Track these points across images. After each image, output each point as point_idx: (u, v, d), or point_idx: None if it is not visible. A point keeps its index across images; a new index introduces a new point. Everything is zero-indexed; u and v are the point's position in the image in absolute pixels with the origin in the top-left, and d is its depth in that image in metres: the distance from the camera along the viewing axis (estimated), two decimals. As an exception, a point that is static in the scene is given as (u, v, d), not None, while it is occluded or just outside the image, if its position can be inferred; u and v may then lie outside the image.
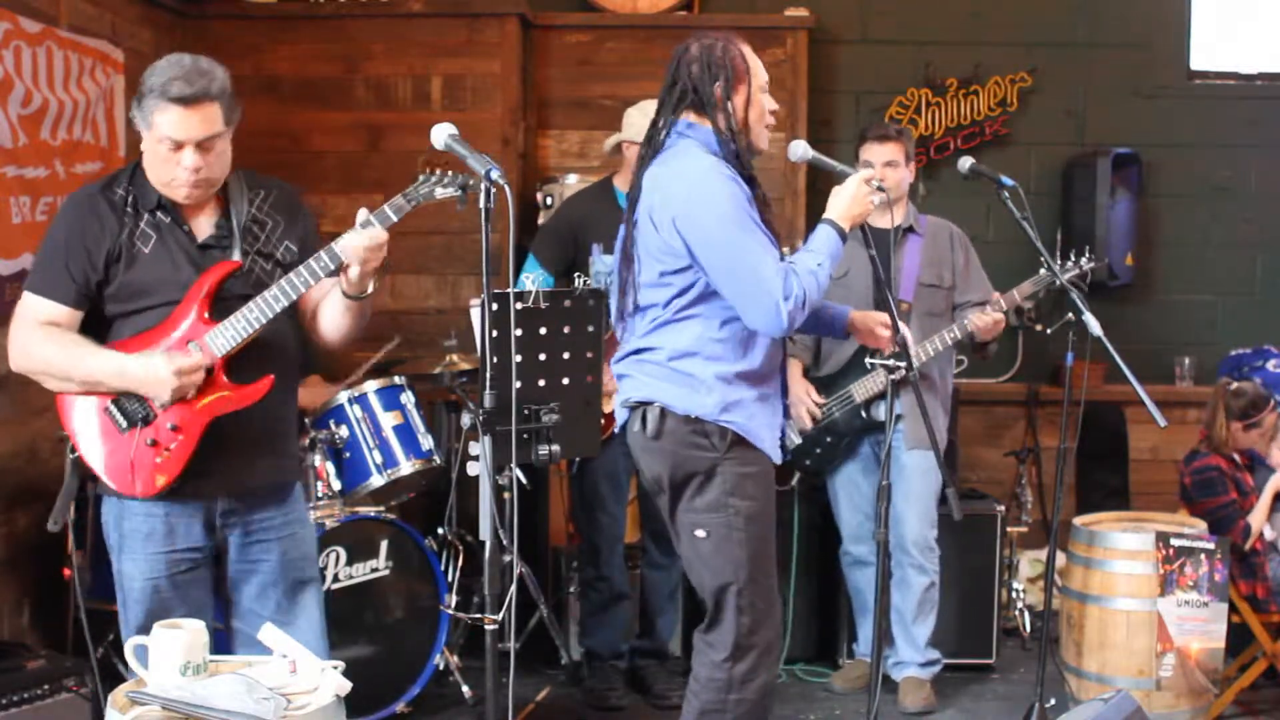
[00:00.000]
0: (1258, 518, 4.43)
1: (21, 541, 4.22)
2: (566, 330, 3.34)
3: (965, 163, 4.00)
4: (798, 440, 4.50)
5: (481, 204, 2.70)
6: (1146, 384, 3.77)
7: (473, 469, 3.14)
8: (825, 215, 3.23)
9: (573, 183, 5.35)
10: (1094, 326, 3.73)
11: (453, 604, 4.41)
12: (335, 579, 4.06)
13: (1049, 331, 4.70)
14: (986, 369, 5.75)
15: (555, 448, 3.26)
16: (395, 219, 2.83)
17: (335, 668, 2.53)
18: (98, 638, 3.98)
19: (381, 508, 4.39)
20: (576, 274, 4.50)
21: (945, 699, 4.57)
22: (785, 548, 4.71)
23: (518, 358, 3.06)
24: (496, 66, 5.48)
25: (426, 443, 4.43)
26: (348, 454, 4.34)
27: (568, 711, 4.49)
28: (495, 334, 2.94)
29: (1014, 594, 5.34)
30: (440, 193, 2.84)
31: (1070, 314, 3.83)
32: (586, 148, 5.72)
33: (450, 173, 2.85)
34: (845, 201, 3.22)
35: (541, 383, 3.30)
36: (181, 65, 2.78)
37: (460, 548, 4.74)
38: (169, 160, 2.81)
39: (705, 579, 3.22)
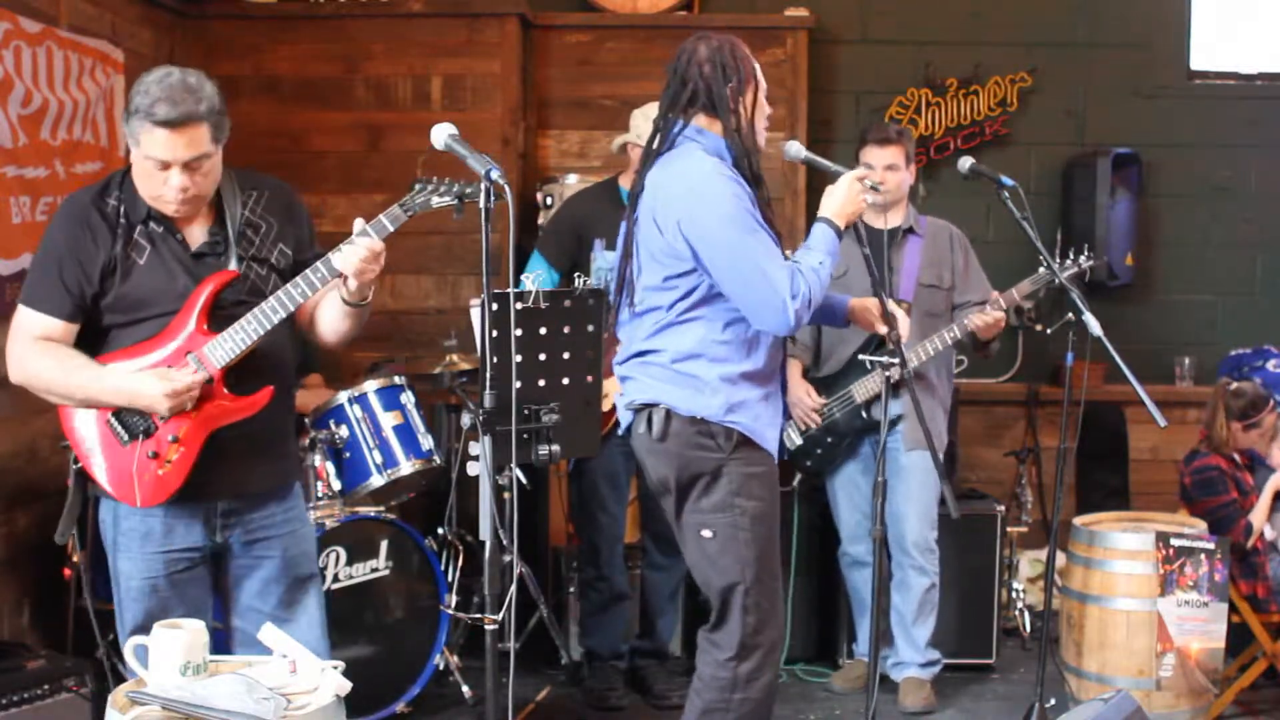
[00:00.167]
0: (1258, 517, 4.43)
1: (21, 541, 4.22)
2: (566, 330, 3.34)
3: (965, 163, 4.00)
4: (798, 441, 4.51)
5: (481, 204, 2.70)
6: (1146, 384, 3.77)
7: (473, 469, 3.14)
8: (820, 214, 3.26)
9: (573, 183, 5.35)
10: (1094, 326, 3.74)
11: (453, 604, 4.41)
12: (335, 579, 4.06)
13: (1049, 331, 4.70)
14: (986, 369, 5.75)
15: (555, 448, 3.26)
16: (391, 229, 2.82)
17: (335, 668, 2.53)
18: (98, 637, 3.99)
19: (381, 508, 4.39)
20: (577, 274, 4.50)
21: (945, 699, 4.57)
22: (785, 548, 4.71)
23: (518, 358, 3.06)
24: (496, 66, 5.48)
25: (426, 443, 4.43)
26: (348, 454, 4.34)
27: (568, 711, 4.49)
28: (495, 334, 2.94)
29: (1014, 594, 5.34)
30: (436, 201, 2.83)
31: (1070, 314, 3.83)
32: (586, 148, 5.72)
33: (446, 181, 2.83)
34: (839, 200, 3.26)
35: (541, 383, 3.31)
36: (168, 85, 2.72)
37: (460, 548, 4.74)
38: (156, 178, 2.78)
39: (712, 579, 3.23)
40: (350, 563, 4.12)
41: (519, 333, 3.17)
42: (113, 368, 2.83)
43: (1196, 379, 5.93)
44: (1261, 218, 6.06)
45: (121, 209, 2.85)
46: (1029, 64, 5.95)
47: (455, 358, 4.63)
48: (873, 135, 4.52)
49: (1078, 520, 4.49)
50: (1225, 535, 4.32)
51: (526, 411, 3.22)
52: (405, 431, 4.39)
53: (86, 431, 2.88)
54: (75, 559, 3.99)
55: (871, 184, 3.30)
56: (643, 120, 4.40)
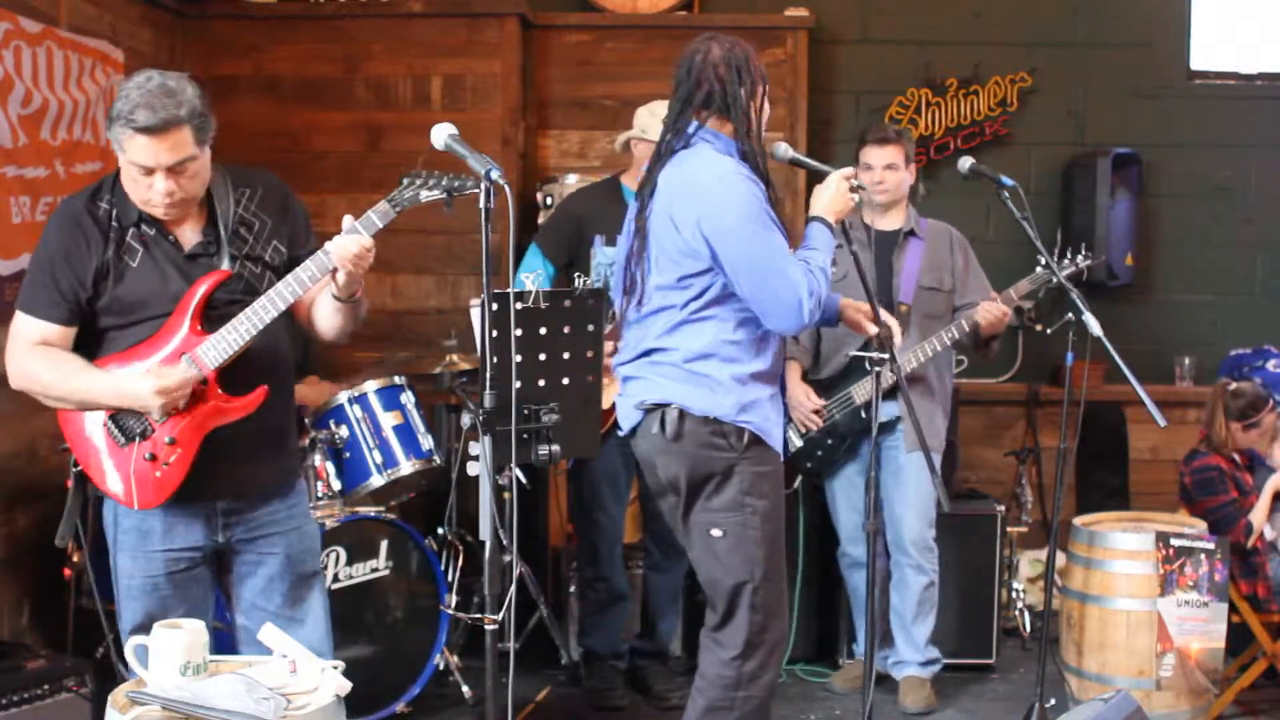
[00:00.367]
0: (1258, 517, 4.43)
1: (21, 541, 4.22)
2: (566, 330, 3.34)
3: (965, 163, 4.01)
4: (799, 443, 4.50)
5: (481, 204, 2.70)
6: (1146, 384, 3.77)
7: (473, 469, 3.14)
8: (813, 213, 3.31)
9: (573, 183, 5.35)
10: (1094, 326, 3.74)
11: (453, 604, 4.41)
12: (335, 579, 4.06)
13: (1049, 331, 4.71)
14: (986, 369, 5.75)
15: (555, 448, 3.25)
16: (380, 225, 2.81)
17: (335, 668, 2.53)
18: (98, 638, 3.99)
19: (381, 508, 4.39)
20: (576, 273, 4.49)
21: (945, 699, 4.57)
22: (789, 548, 4.70)
23: (518, 358, 3.06)
24: (496, 66, 5.48)
25: (426, 443, 4.43)
26: (348, 454, 4.34)
27: (568, 711, 4.49)
28: (495, 334, 2.94)
29: (1014, 594, 5.34)
30: (426, 195, 2.82)
31: (1070, 314, 3.84)
32: (586, 148, 5.72)
33: (435, 174, 2.83)
34: (829, 198, 3.31)
35: (541, 383, 3.30)
36: (147, 90, 2.71)
37: (460, 548, 4.74)
38: (141, 183, 2.78)
39: (720, 578, 3.24)
40: (350, 563, 4.12)
41: (519, 333, 3.16)
42: (107, 369, 2.84)
43: (1196, 379, 5.93)
44: (1261, 218, 6.06)
45: (114, 212, 2.86)
46: (1029, 64, 5.95)
47: (455, 357, 4.63)
48: (872, 135, 4.52)
49: (1078, 520, 4.49)
50: (1225, 535, 4.32)
51: (526, 411, 3.22)
52: (405, 431, 4.39)
53: (85, 434, 2.89)
54: (75, 559, 3.99)
55: (857, 184, 3.34)
56: (648, 116, 4.40)
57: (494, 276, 2.77)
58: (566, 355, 3.35)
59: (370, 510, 4.26)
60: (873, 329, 3.44)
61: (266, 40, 5.49)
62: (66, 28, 4.44)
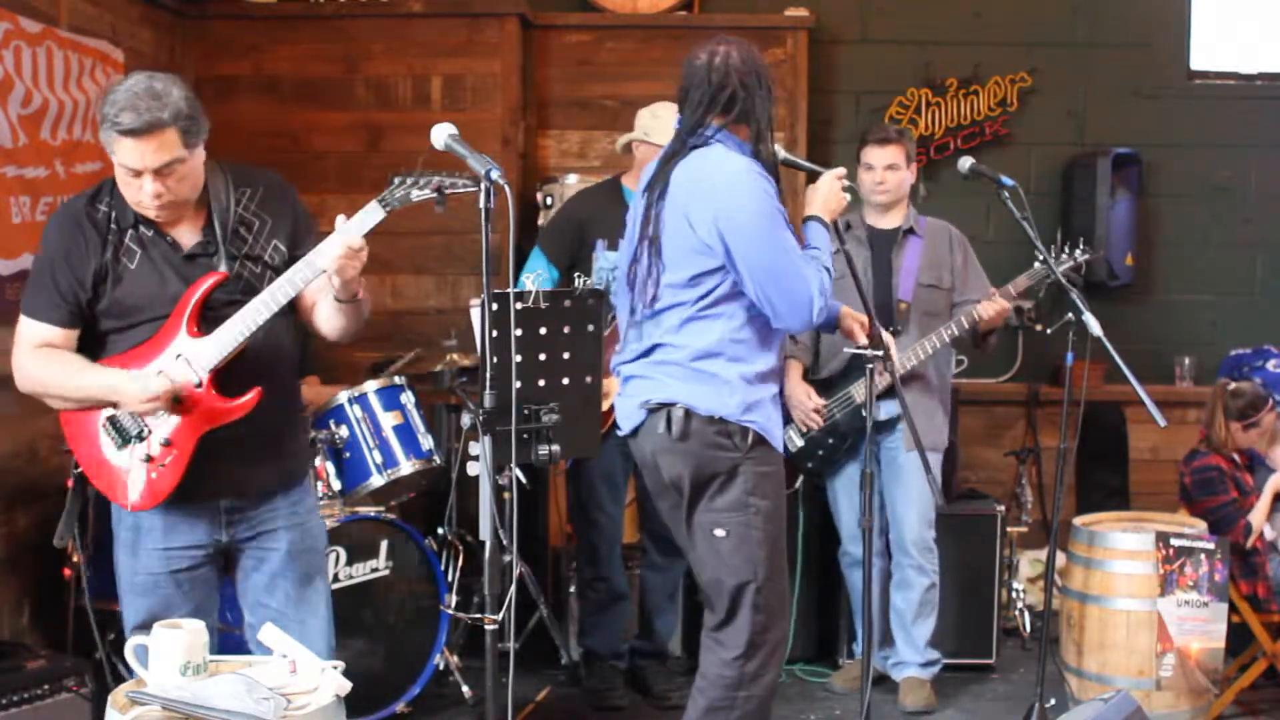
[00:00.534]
0: (1258, 517, 4.43)
1: (21, 541, 4.22)
2: (566, 330, 3.34)
3: (965, 163, 4.01)
4: (800, 443, 4.50)
5: (481, 204, 2.70)
6: (1146, 384, 3.78)
7: (473, 469, 3.14)
8: (810, 212, 3.34)
9: (573, 183, 5.34)
10: (1094, 326, 3.74)
11: (453, 604, 4.41)
12: (335, 579, 4.06)
13: (1049, 331, 4.71)
14: (986, 369, 5.75)
15: (555, 448, 3.26)
16: (370, 225, 2.80)
17: (335, 668, 2.53)
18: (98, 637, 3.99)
19: (381, 508, 4.39)
20: (577, 274, 4.49)
21: (945, 699, 4.57)
22: (790, 549, 4.70)
23: (518, 358, 3.06)
24: (496, 66, 5.48)
25: (426, 443, 4.43)
26: (348, 454, 4.34)
27: (568, 711, 4.49)
28: (495, 334, 2.94)
29: (1014, 594, 5.34)
30: (416, 195, 2.81)
31: (1070, 314, 3.84)
32: (586, 148, 5.72)
33: (426, 173, 2.81)
34: (823, 196, 3.36)
35: (541, 383, 3.31)
36: (133, 93, 2.71)
37: (460, 548, 4.74)
38: (131, 185, 2.79)
39: (723, 577, 3.24)
40: (350, 563, 4.12)
41: (519, 333, 3.17)
42: (103, 369, 2.85)
43: (1196, 379, 5.93)
44: (1261, 218, 6.06)
45: (112, 214, 2.87)
46: (1029, 64, 5.95)
47: (455, 357, 4.63)
48: (873, 135, 4.53)
49: (1078, 520, 4.49)
50: (1225, 535, 4.32)
51: (526, 411, 3.22)
52: (405, 431, 4.39)
53: (84, 436, 2.90)
54: (75, 559, 3.99)
55: (847, 185, 3.37)
56: (649, 119, 4.39)
57: (494, 276, 2.77)
58: (566, 355, 3.36)
59: (370, 510, 4.26)
60: (863, 339, 3.48)
61: (266, 40, 5.49)
62: (66, 28, 4.44)
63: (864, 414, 4.42)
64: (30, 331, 2.89)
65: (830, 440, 4.51)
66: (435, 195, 2.79)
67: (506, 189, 2.65)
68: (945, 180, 5.91)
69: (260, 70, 5.48)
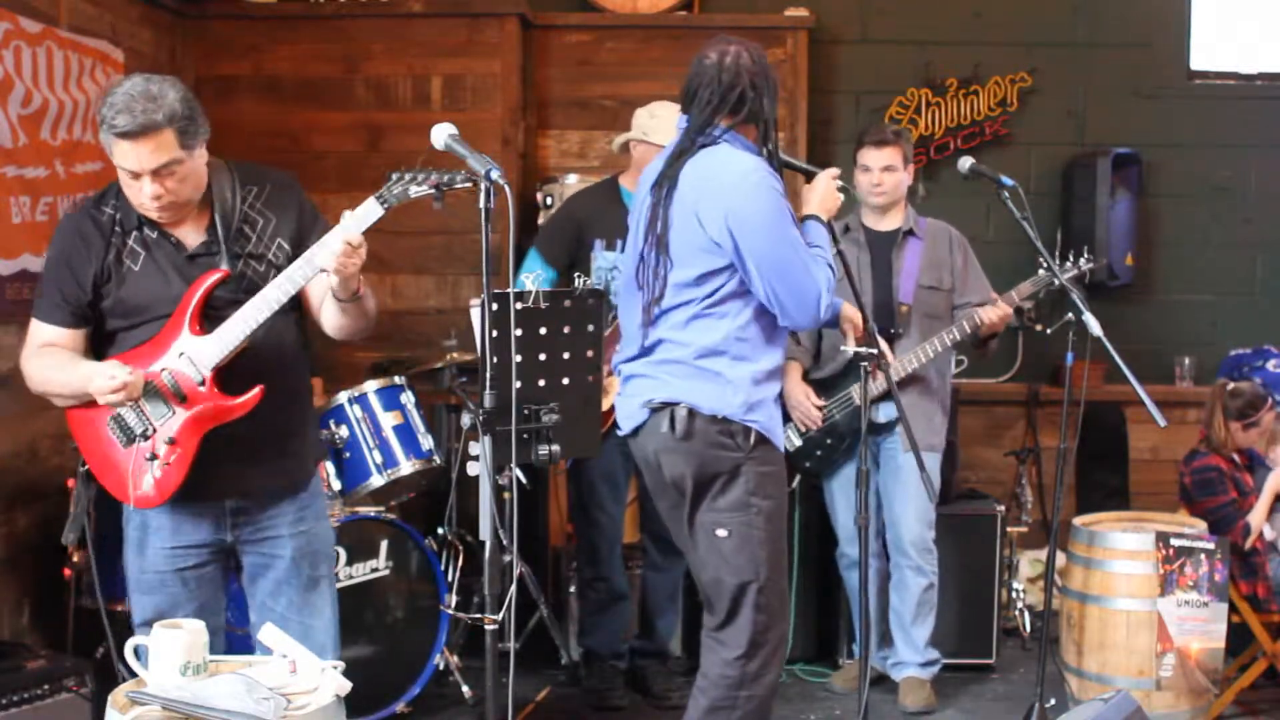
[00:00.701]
0: (1257, 517, 4.43)
1: (21, 541, 4.22)
2: (566, 330, 3.34)
3: (965, 163, 4.01)
4: (798, 443, 4.50)
5: (481, 204, 2.70)
6: (1146, 384, 3.78)
7: (473, 469, 3.14)
8: (808, 211, 3.35)
9: (573, 183, 5.34)
10: (1094, 326, 3.74)
11: (453, 604, 4.41)
12: (335, 579, 4.05)
13: (1049, 331, 4.70)
14: (986, 369, 5.75)
15: (555, 448, 3.26)
16: (368, 223, 2.80)
17: (335, 668, 2.53)
18: (98, 638, 3.99)
19: (381, 508, 4.39)
20: (577, 274, 4.49)
21: (945, 699, 4.57)
22: (789, 549, 4.71)
23: (518, 358, 3.06)
24: (496, 66, 5.48)
25: (426, 443, 4.42)
26: (348, 454, 4.34)
27: (568, 711, 4.49)
28: (495, 334, 2.94)
29: (1014, 594, 5.34)
30: (415, 191, 2.81)
31: (1070, 314, 3.84)
32: (586, 148, 5.72)
33: (424, 170, 2.81)
34: (819, 196, 3.38)
35: (541, 383, 3.31)
36: (129, 95, 2.72)
37: (460, 548, 4.74)
38: (132, 187, 2.81)
39: (725, 577, 3.24)
40: (350, 563, 4.12)
41: (519, 333, 3.17)
42: (87, 365, 2.88)
43: (1196, 379, 5.93)
44: (1261, 218, 6.06)
45: (117, 216, 2.90)
46: (1029, 64, 5.95)
47: (455, 357, 4.63)
48: (870, 137, 4.52)
49: (1078, 520, 4.49)
50: (1225, 535, 4.32)
51: (526, 411, 3.22)
52: (405, 431, 4.39)
53: (92, 434, 2.92)
54: (76, 559, 3.99)
55: (841, 185, 3.39)
56: (647, 118, 4.39)
57: (494, 276, 2.77)
58: (566, 355, 3.36)
59: (370, 510, 4.26)
60: (852, 342, 3.52)
61: (266, 40, 5.49)
62: (66, 28, 4.44)
63: (866, 414, 4.45)
64: (36, 333, 2.94)
65: (829, 440, 4.51)
66: (434, 192, 2.79)
67: (506, 189, 2.66)
68: (945, 180, 5.91)
69: (260, 70, 5.48)
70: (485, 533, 2.89)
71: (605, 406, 3.81)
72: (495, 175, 2.67)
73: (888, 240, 4.52)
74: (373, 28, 5.48)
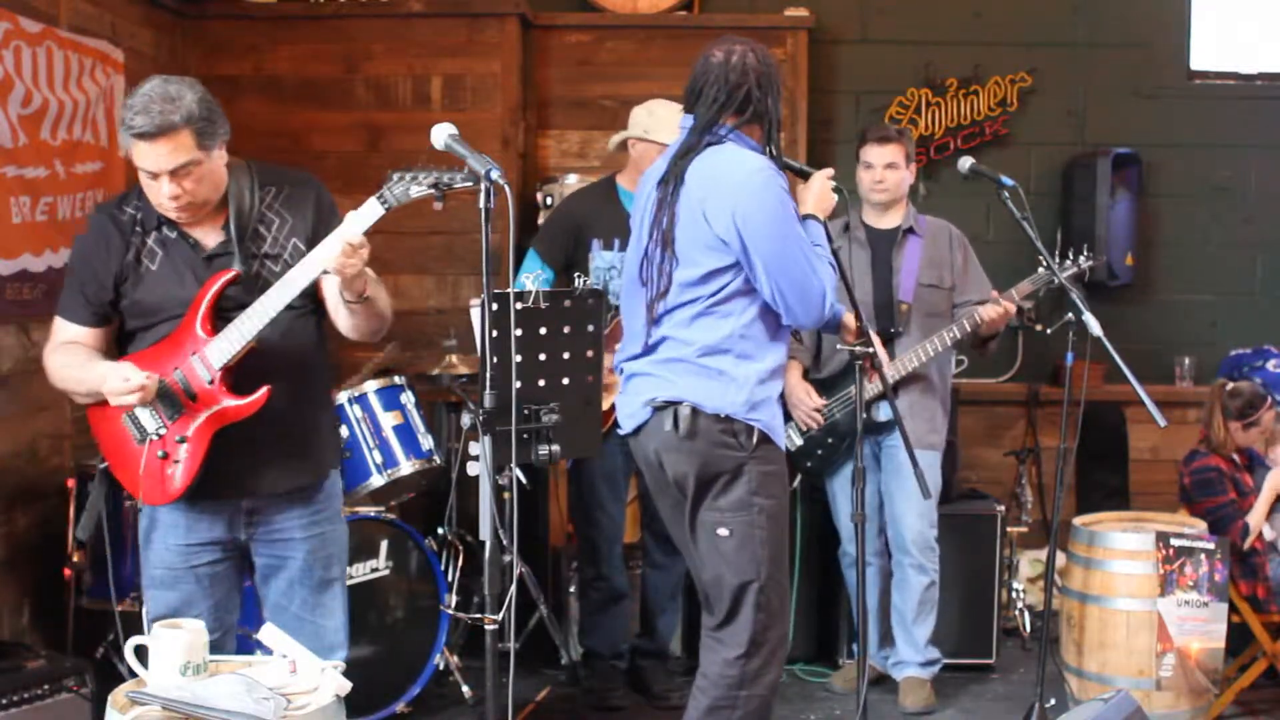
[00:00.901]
0: (1256, 517, 4.43)
1: (21, 541, 4.22)
2: (566, 330, 3.34)
3: (965, 163, 4.01)
4: (799, 442, 4.50)
5: (481, 204, 2.70)
6: (1146, 384, 3.78)
7: (473, 469, 3.14)
8: (806, 211, 3.34)
9: (573, 183, 5.34)
10: (1094, 326, 3.75)
11: (453, 604, 4.41)
12: (340, 579, 4.06)
13: (1049, 331, 4.70)
14: (986, 369, 5.75)
15: (555, 448, 3.26)
16: (368, 223, 2.81)
17: (335, 668, 2.53)
18: (98, 638, 3.99)
19: (381, 508, 4.39)
20: (576, 274, 4.49)
21: (945, 699, 4.57)
22: (790, 548, 4.70)
23: (518, 358, 3.06)
24: (496, 66, 5.48)
25: (426, 443, 4.42)
26: (348, 454, 4.33)
27: (568, 711, 4.49)
28: (495, 334, 2.94)
29: (1014, 594, 5.34)
30: (415, 191, 2.82)
31: (1070, 314, 3.84)
32: (586, 148, 5.72)
33: (424, 169, 2.81)
34: (815, 196, 3.37)
35: (541, 383, 3.31)
36: (147, 96, 2.76)
37: (460, 548, 4.74)
38: (152, 188, 2.84)
39: (726, 576, 3.24)
40: (350, 563, 4.11)
41: (519, 333, 3.17)
42: (99, 364, 2.91)
43: (1196, 379, 5.93)
44: (1261, 218, 6.06)
45: (138, 216, 2.93)
46: (1029, 64, 5.95)
47: (455, 358, 4.63)
48: (872, 134, 4.53)
49: (1078, 520, 4.49)
50: (1225, 535, 4.32)
51: (526, 411, 3.22)
52: (405, 431, 4.39)
53: (109, 431, 2.95)
54: (76, 559, 3.99)
55: (835, 185, 3.40)
56: (645, 116, 4.39)
57: (494, 276, 2.77)
58: (566, 355, 3.36)
59: (370, 510, 4.27)
60: (850, 341, 3.51)
61: (266, 40, 5.49)
62: (66, 28, 4.44)
63: (865, 414, 4.45)
64: (59, 330, 2.99)
65: (829, 440, 4.51)
66: (434, 191, 2.80)
67: (506, 189, 2.66)
68: (945, 180, 5.91)
69: (260, 70, 5.48)
70: (485, 533, 2.89)
71: (605, 406, 3.81)
72: (495, 175, 2.67)
73: (888, 238, 4.52)
74: (373, 28, 5.48)
